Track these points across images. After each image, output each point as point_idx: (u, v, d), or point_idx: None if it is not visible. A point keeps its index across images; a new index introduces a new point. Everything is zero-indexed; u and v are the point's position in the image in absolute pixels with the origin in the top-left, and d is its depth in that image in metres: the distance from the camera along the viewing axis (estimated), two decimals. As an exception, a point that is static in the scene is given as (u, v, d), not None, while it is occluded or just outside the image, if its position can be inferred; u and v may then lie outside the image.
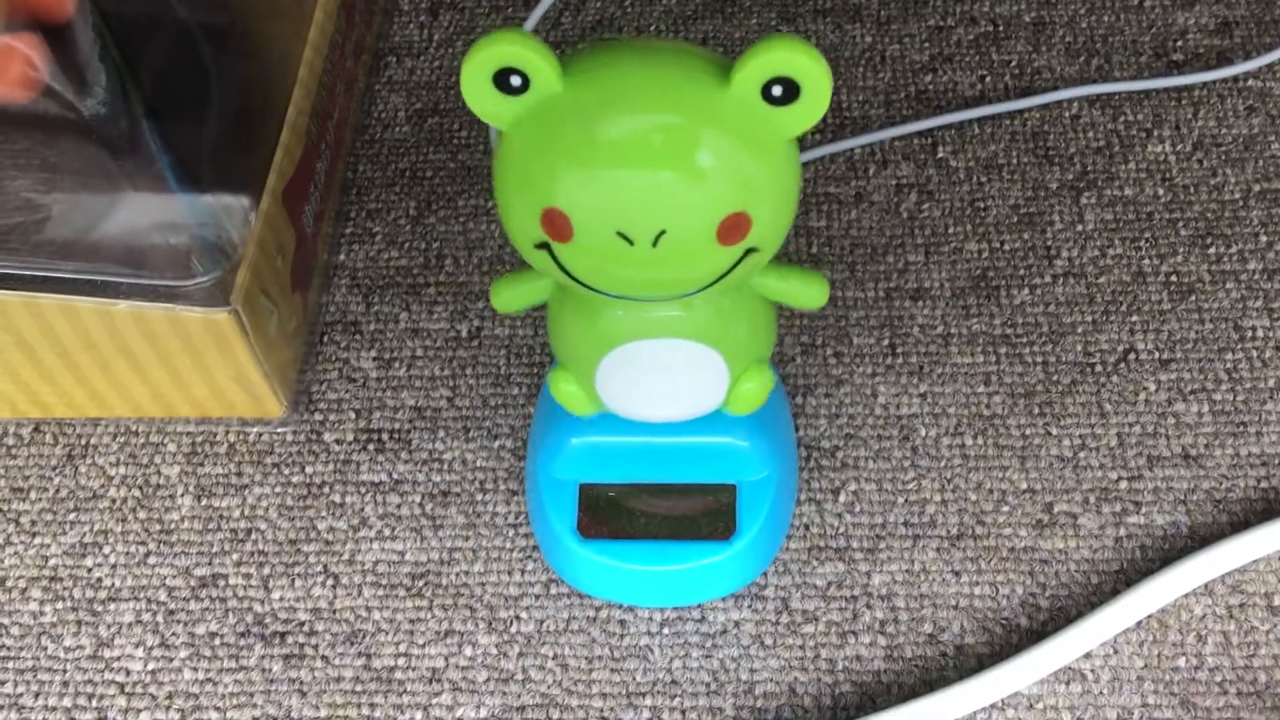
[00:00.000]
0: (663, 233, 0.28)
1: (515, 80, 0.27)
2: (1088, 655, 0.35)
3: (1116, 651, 0.35)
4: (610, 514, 0.36)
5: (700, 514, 0.36)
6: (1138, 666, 0.35)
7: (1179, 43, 0.48)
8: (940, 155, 0.45)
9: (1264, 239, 0.43)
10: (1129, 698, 0.34)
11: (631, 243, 0.28)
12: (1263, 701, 0.34)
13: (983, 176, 0.45)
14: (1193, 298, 0.42)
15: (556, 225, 0.28)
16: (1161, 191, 0.44)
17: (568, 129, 0.27)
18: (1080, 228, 0.43)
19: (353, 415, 0.41)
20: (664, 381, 0.33)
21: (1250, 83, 0.46)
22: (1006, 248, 0.43)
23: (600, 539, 0.36)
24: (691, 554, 0.35)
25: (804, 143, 0.46)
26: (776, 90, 0.27)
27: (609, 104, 0.27)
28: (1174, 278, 0.42)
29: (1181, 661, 0.35)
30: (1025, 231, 0.43)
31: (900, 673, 0.35)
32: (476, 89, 0.27)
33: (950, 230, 0.44)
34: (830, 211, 0.44)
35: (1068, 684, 0.35)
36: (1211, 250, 0.43)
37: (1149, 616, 0.36)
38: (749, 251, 0.29)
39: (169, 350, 0.38)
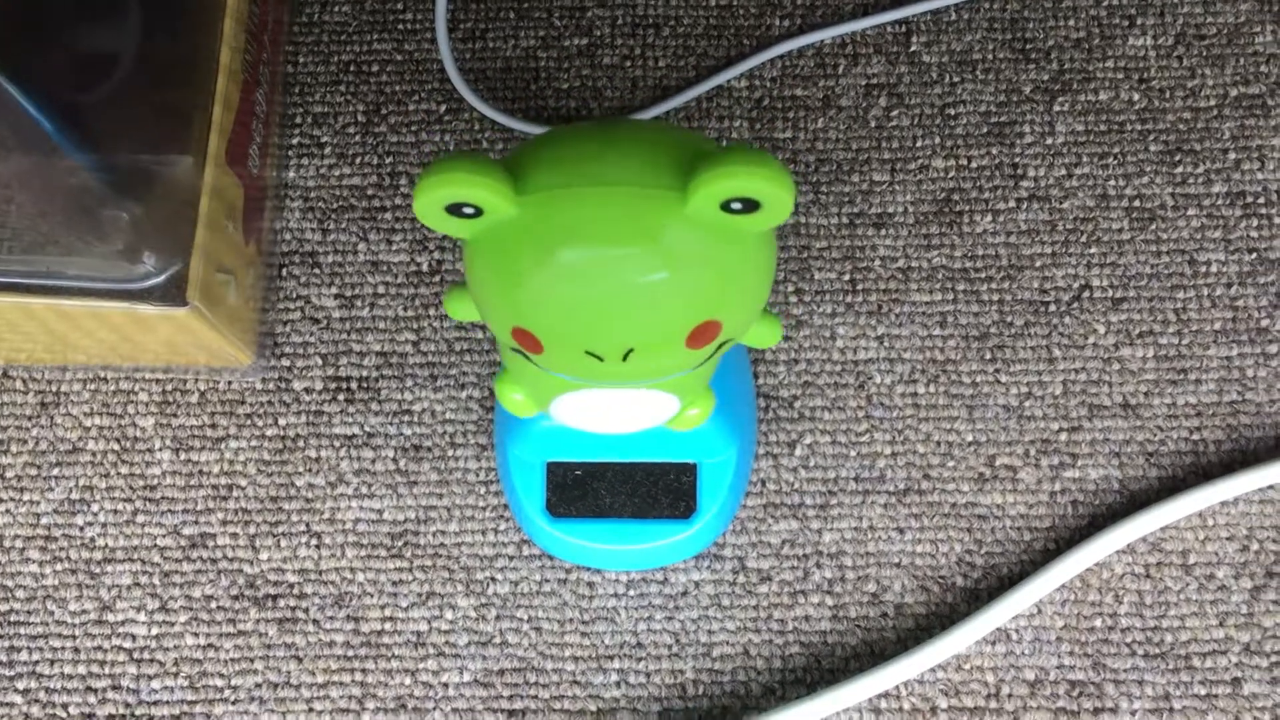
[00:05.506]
0: (631, 350, 0.28)
1: (468, 210, 0.26)
2: (1014, 616, 0.39)
3: (1040, 611, 0.39)
4: (577, 493, 0.38)
5: (662, 493, 0.38)
6: (1058, 627, 0.38)
7: (1177, -98, 0.44)
8: (913, 48, 0.43)
9: (1232, 156, 0.42)
10: (1047, 659, 0.38)
11: (601, 359, 0.28)
12: (1165, 664, 0.38)
13: (955, 76, 0.43)
14: (1153, 226, 0.42)
15: (526, 340, 0.28)
16: (1136, 96, 0.43)
17: (526, 257, 0.27)
18: (1050, 141, 0.42)
19: (319, 361, 0.41)
20: (615, 412, 0.34)
21: (1245, -42, 0.44)
22: (974, 165, 0.42)
23: (568, 518, 0.38)
24: (654, 532, 0.38)
25: (771, 36, 0.44)
26: (736, 205, 0.26)
27: (565, 233, 0.26)
28: (1137, 202, 0.42)
29: (1098, 622, 0.39)
30: (994, 145, 0.42)
31: (844, 633, 0.39)
32: (432, 217, 0.26)
33: (919, 144, 0.42)
34: (797, 120, 0.43)
35: (993, 644, 0.38)
36: (1179, 170, 0.42)
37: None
38: (722, 344, 0.29)
39: (129, 332, 0.38)
